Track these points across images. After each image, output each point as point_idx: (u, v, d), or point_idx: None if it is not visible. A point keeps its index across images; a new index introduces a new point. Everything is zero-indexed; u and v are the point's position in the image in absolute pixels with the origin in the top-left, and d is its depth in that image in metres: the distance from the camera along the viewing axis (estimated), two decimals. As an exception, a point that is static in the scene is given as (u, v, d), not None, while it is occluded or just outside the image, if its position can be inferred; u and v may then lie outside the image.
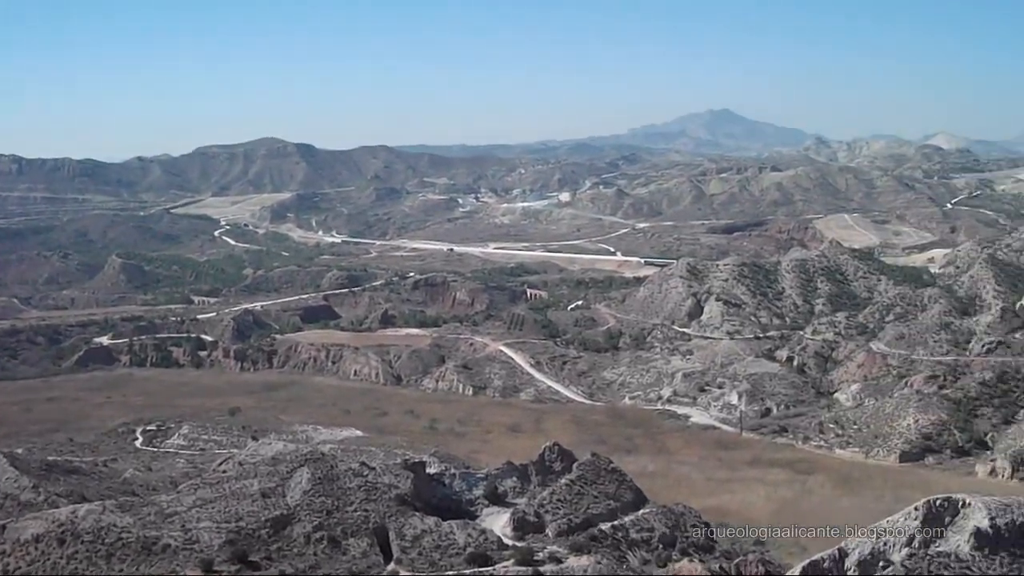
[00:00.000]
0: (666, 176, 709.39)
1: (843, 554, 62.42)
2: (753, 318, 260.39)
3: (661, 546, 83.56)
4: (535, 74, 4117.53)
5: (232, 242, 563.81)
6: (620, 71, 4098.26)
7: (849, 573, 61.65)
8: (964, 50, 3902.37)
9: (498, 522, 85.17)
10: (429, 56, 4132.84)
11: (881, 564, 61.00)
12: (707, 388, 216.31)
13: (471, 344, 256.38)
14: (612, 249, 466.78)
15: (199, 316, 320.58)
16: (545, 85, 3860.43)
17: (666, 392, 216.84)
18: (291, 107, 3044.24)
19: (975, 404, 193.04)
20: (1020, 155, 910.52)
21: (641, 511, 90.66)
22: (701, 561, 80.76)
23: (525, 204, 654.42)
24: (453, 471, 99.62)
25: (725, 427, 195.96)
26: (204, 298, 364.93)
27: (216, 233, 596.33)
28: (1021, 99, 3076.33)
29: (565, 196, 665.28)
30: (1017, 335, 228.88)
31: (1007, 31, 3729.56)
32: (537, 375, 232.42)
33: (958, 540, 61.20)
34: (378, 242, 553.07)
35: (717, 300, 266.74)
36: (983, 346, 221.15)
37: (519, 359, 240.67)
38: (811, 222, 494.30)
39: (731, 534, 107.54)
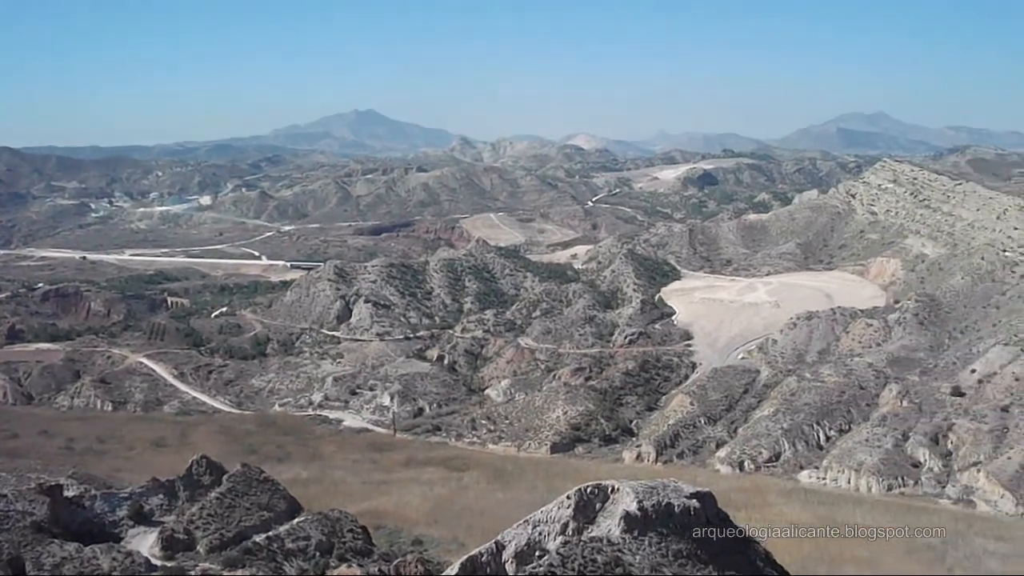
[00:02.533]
0: (311, 178, 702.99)
1: (500, 547, 61.91)
2: (403, 319, 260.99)
3: (318, 554, 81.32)
4: (172, 72, 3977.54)
5: None
6: (261, 70, 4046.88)
7: (507, 565, 61.15)
8: (600, 55, 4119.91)
9: (145, 542, 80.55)
10: (56, 50, 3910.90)
11: (537, 553, 60.88)
12: (359, 391, 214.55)
13: (109, 357, 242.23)
14: (257, 253, 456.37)
15: None
16: (182, 83, 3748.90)
17: (317, 397, 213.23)
18: None
19: (620, 393, 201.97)
20: (655, 154, 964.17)
21: (296, 520, 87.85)
22: (359, 566, 79.21)
23: (164, 208, 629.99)
24: (94, 492, 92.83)
25: (378, 429, 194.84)
26: None
27: None
28: (654, 102, 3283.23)
29: (206, 199, 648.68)
30: (656, 325, 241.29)
31: (636, 38, 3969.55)
32: (181, 386, 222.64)
33: (609, 525, 61.89)
34: (1, 251, 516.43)
35: (366, 302, 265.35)
36: (625, 337, 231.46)
37: (161, 370, 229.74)
38: (458, 222, 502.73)
39: (389, 536, 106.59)
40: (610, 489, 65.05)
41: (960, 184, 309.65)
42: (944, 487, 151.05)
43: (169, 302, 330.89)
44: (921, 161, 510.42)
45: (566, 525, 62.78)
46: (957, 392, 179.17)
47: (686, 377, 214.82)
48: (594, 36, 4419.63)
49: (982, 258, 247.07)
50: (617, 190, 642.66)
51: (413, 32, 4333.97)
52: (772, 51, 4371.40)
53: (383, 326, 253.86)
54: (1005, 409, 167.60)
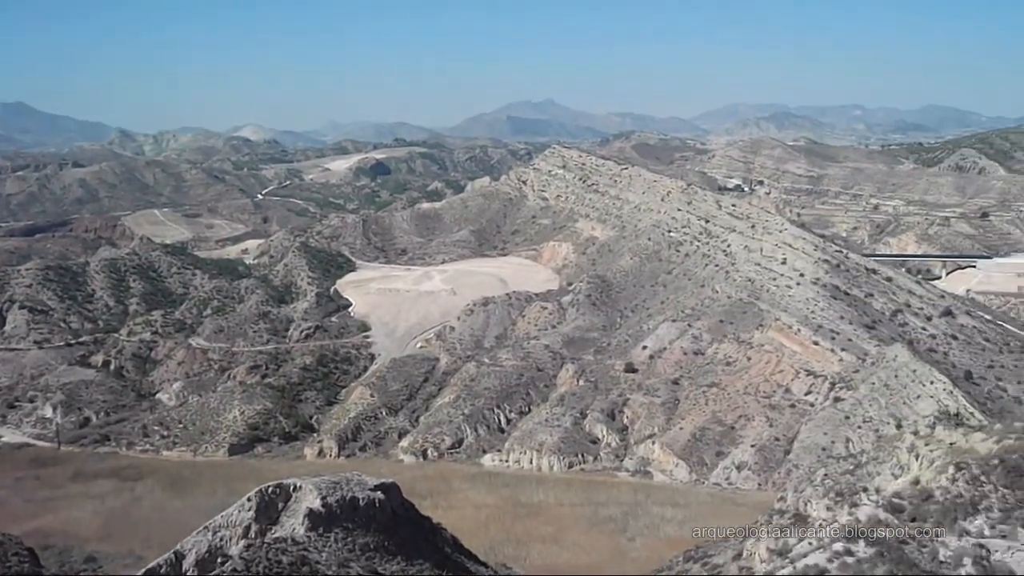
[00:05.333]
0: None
1: (180, 556, 59.53)
2: (63, 324, 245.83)
3: (-22, 581, 74.92)
4: None
5: None
6: None
7: (188, 574, 58.33)
8: (264, 44, 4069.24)
9: None
10: None
11: (220, 560, 58.66)
12: (17, 404, 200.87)
13: None
14: None
15: None
16: None
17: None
18: None
19: (298, 389, 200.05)
20: (326, 145, 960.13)
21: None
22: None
23: None
24: None
25: (41, 443, 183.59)
26: None
27: None
28: (323, 91, 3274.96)
29: None
30: (333, 318, 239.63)
31: (300, 27, 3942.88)
32: None
33: (293, 524, 60.94)
34: None
35: (21, 308, 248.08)
36: (302, 332, 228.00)
37: None
38: (120, 219, 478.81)
39: (59, 556, 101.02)
40: (292, 488, 64.31)
41: (626, 168, 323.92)
42: (622, 460, 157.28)
43: None
44: (588, 147, 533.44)
45: (248, 528, 61.43)
46: (630, 368, 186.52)
47: (365, 369, 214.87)
48: (257, 24, 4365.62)
49: (649, 239, 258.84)
50: (288, 182, 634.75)
51: (63, 17, 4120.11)
52: (441, 39, 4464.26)
53: (41, 333, 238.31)
54: (675, 382, 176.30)
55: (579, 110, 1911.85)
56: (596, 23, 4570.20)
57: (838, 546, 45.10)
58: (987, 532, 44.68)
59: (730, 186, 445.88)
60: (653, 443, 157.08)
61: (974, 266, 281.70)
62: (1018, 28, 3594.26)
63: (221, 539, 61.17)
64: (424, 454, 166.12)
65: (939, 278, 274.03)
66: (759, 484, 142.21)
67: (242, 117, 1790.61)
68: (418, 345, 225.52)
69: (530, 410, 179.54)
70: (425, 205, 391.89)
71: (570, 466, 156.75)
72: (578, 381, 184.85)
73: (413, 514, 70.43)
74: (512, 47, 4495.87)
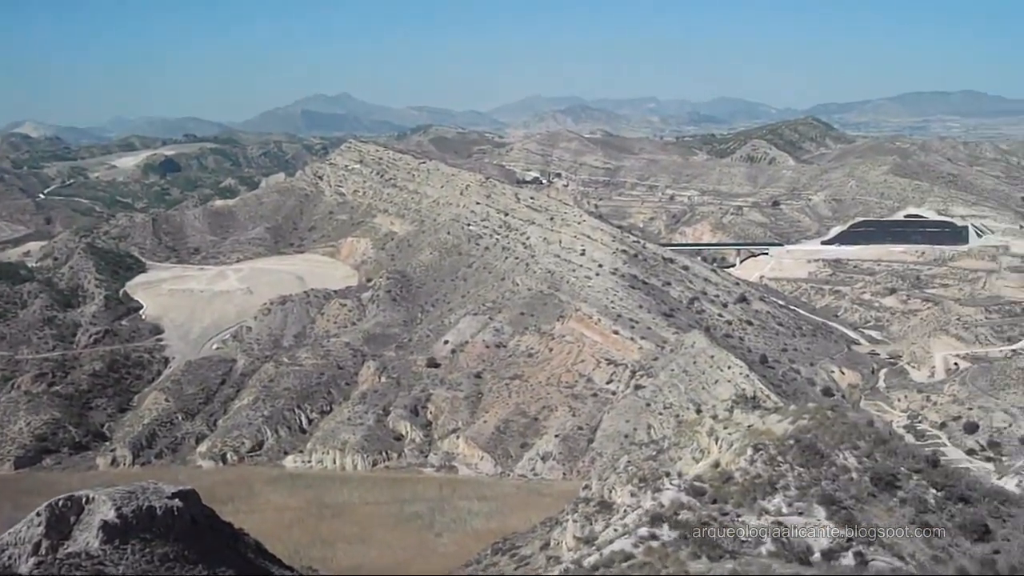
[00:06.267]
0: None
1: None
2: None
3: None
4: None
5: None
6: None
7: (-28, 598, 54.92)
8: (39, 36, 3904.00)
9: None
10: None
11: None
12: None
13: None
14: None
15: None
16: None
17: None
18: None
19: (88, 397, 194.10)
20: (112, 141, 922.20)
21: None
22: None
23: None
24: None
25: None
26: None
27: None
28: (107, 86, 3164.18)
29: None
30: (123, 322, 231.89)
31: (75, 17, 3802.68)
32: None
33: (87, 538, 58.03)
34: None
35: None
36: (90, 337, 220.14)
37: None
38: None
39: None
40: (84, 500, 61.11)
41: (424, 163, 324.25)
42: (427, 456, 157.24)
43: None
44: (386, 141, 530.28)
45: (38, 545, 58.05)
46: (433, 363, 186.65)
47: (159, 373, 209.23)
48: (32, 15, 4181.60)
49: (448, 233, 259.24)
50: (72, 180, 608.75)
51: None
52: (231, 31, 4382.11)
53: None
54: (478, 376, 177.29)
55: (375, 104, 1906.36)
56: (391, 15, 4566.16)
57: (643, 531, 45.63)
58: (785, 510, 46.01)
59: (528, 179, 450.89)
60: (457, 437, 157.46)
61: (766, 253, 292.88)
62: (805, 22, 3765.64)
63: (9, 557, 57.90)
64: (223, 458, 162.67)
65: (733, 266, 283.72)
66: (564, 473, 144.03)
67: (20, 112, 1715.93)
68: (214, 347, 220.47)
69: (332, 409, 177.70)
70: (218, 203, 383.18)
71: (374, 464, 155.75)
72: (380, 378, 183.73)
73: (213, 521, 68.25)
74: (306, 40, 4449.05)
